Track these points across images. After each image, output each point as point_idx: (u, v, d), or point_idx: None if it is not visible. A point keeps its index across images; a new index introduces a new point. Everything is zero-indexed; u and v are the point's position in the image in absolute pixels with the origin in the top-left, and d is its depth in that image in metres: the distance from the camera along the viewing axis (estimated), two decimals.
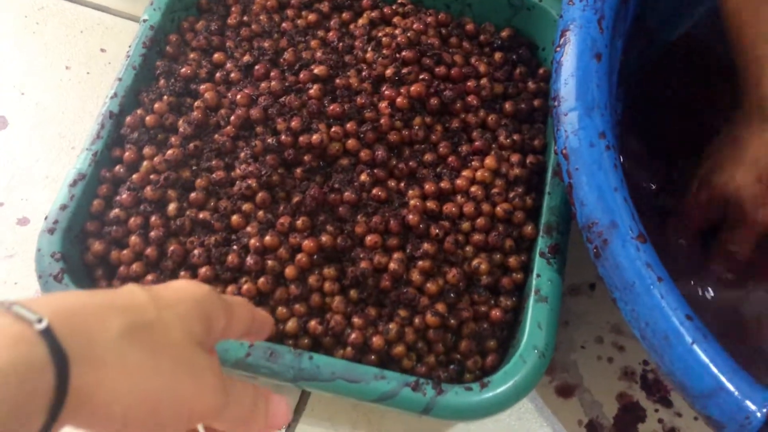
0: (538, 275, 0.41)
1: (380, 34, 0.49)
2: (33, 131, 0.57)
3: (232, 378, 0.29)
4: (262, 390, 0.30)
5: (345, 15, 0.52)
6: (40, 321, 0.23)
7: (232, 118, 0.45)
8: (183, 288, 0.28)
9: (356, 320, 0.41)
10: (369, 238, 0.42)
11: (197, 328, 0.27)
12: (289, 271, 0.41)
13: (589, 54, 0.40)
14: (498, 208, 0.43)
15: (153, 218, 0.43)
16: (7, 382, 0.21)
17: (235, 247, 0.42)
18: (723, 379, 0.33)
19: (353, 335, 0.40)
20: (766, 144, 0.42)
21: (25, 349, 0.22)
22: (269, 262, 0.41)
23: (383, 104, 0.46)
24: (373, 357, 0.40)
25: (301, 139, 0.44)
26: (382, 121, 0.45)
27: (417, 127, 0.46)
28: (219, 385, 0.27)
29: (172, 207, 0.43)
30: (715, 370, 0.33)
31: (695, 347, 0.34)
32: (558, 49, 0.41)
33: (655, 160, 0.52)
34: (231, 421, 0.28)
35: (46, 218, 0.42)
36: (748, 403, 0.33)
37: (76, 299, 0.25)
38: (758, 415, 0.32)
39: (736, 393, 0.33)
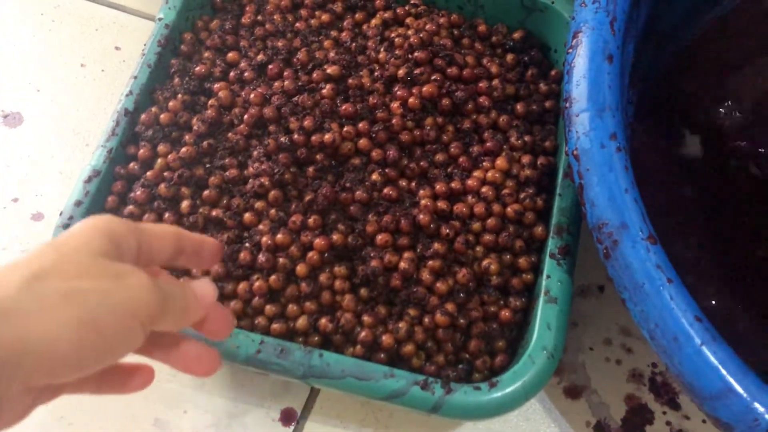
0: (548, 276, 0.41)
1: (393, 35, 0.50)
2: (48, 128, 0.58)
3: (158, 274, 0.29)
4: (183, 280, 0.31)
5: (358, 15, 0.52)
6: None
7: (246, 116, 0.46)
8: (81, 222, 0.28)
9: (366, 318, 0.41)
10: (380, 237, 0.43)
11: (100, 245, 0.27)
12: (301, 268, 0.42)
13: (601, 56, 0.40)
14: (509, 209, 0.44)
15: (166, 215, 0.44)
16: None
17: (247, 244, 0.43)
18: (732, 381, 0.33)
19: (363, 333, 0.40)
20: None
21: None
22: (281, 260, 0.42)
23: (395, 104, 0.46)
24: (382, 355, 0.41)
25: (313, 138, 0.45)
26: (393, 121, 0.46)
27: (428, 128, 0.46)
28: (147, 281, 0.27)
29: (185, 204, 0.44)
30: (724, 372, 0.33)
31: (704, 349, 0.34)
32: (570, 50, 0.41)
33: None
34: (174, 314, 0.28)
35: (60, 214, 0.43)
36: (757, 405, 0.33)
37: None
38: (767, 417, 0.32)
39: (745, 395, 0.33)
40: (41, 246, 0.26)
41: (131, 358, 0.30)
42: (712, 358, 0.34)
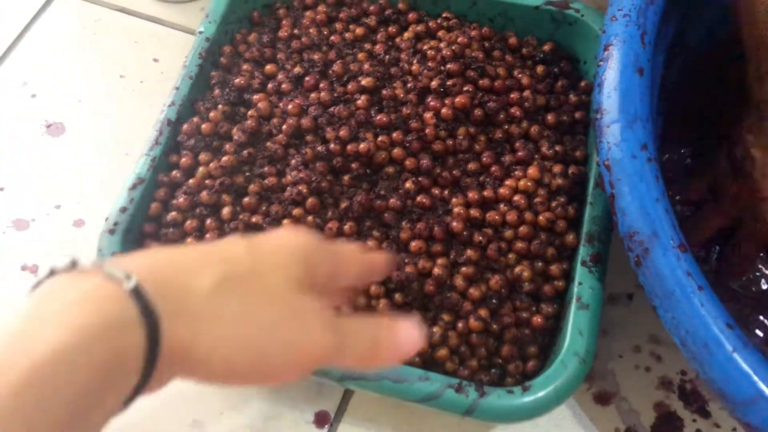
0: (580, 283, 0.42)
1: (425, 47, 0.51)
2: (88, 137, 0.60)
3: (347, 317, 0.27)
4: (386, 322, 0.28)
5: (391, 29, 0.53)
6: (128, 279, 0.23)
7: (284, 126, 0.47)
8: (282, 236, 0.28)
9: None
10: (413, 244, 0.44)
11: (297, 274, 0.26)
12: None
13: (632, 68, 0.41)
14: (540, 217, 0.45)
15: (208, 221, 0.45)
16: (98, 341, 0.21)
17: None
18: (763, 386, 0.34)
19: None
20: None
21: (115, 307, 0.22)
22: None
23: (428, 115, 0.47)
24: (417, 359, 0.42)
25: (349, 147, 0.46)
26: (426, 131, 0.47)
27: (461, 137, 0.47)
28: (326, 325, 0.26)
29: (226, 211, 0.45)
30: (755, 378, 0.34)
31: (735, 355, 0.34)
32: (601, 63, 0.42)
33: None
34: (352, 359, 0.27)
35: (106, 219, 0.45)
36: None
37: (169, 255, 0.25)
38: None
39: None
40: (238, 243, 0.26)
41: None
42: (744, 365, 0.34)
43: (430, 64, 0.49)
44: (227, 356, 0.24)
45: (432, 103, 0.48)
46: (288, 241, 0.27)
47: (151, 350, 0.22)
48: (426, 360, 0.42)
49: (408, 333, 0.28)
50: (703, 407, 0.49)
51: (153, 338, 0.22)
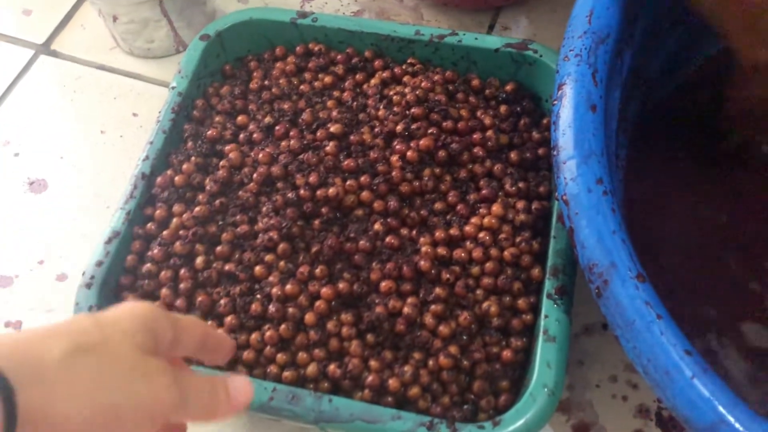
0: (546, 316, 0.43)
1: (391, 93, 0.53)
2: (71, 192, 0.61)
3: (187, 374, 0.31)
4: (220, 378, 0.32)
5: (359, 76, 0.55)
6: None
7: (255, 175, 0.49)
8: (126, 308, 0.30)
9: (373, 363, 0.43)
10: (384, 284, 0.45)
11: (143, 339, 0.29)
12: (309, 317, 0.44)
13: (585, 106, 0.43)
14: (506, 253, 0.46)
15: (182, 271, 0.46)
16: None
17: (258, 296, 0.45)
18: (724, 412, 0.34)
19: (370, 378, 0.42)
20: None
21: None
22: (290, 310, 0.44)
23: (394, 158, 0.49)
24: (390, 398, 0.42)
25: (318, 192, 0.47)
26: (393, 173, 0.48)
27: (427, 178, 0.49)
28: (171, 383, 0.29)
29: (199, 260, 0.47)
30: (716, 403, 0.35)
31: (695, 381, 0.35)
32: (555, 102, 0.44)
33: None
34: (194, 412, 0.31)
35: (83, 274, 0.46)
36: None
37: (21, 333, 0.28)
38: None
39: (737, 425, 0.34)
40: (84, 319, 0.29)
41: None
42: (704, 390, 0.35)
43: (395, 109, 0.51)
44: (83, 420, 0.26)
45: (398, 147, 0.49)
46: (132, 311, 0.30)
47: (9, 420, 0.24)
48: (399, 399, 0.43)
49: (240, 386, 0.33)
50: None
51: (10, 408, 0.24)
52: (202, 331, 0.34)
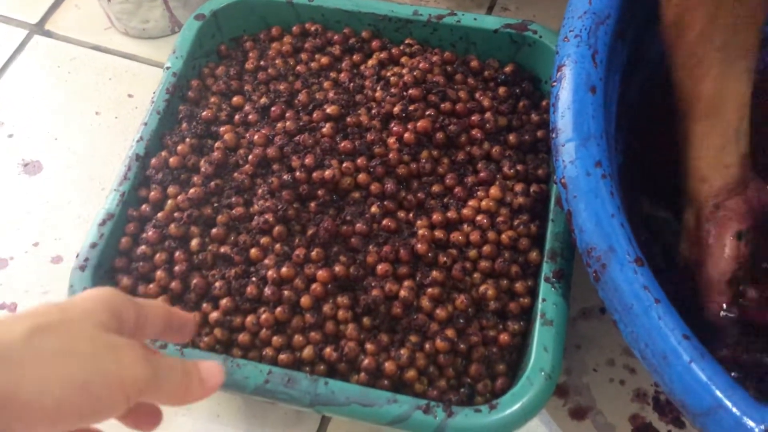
0: (544, 299, 0.42)
1: (389, 74, 0.52)
2: (65, 174, 0.61)
3: (157, 354, 0.31)
4: (190, 361, 0.33)
5: (356, 57, 0.54)
6: None
7: (250, 157, 0.48)
8: (88, 292, 0.31)
9: (369, 346, 0.42)
10: (380, 267, 0.44)
11: (105, 318, 0.29)
12: (305, 300, 0.43)
13: (584, 88, 0.42)
14: (503, 236, 0.45)
15: (177, 254, 0.46)
16: None
17: (253, 278, 0.45)
18: (721, 396, 0.34)
19: (366, 361, 0.42)
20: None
21: None
22: (286, 293, 0.44)
23: (392, 140, 0.48)
24: (386, 382, 0.42)
25: (314, 174, 0.47)
26: (390, 155, 0.48)
27: (424, 161, 0.48)
28: (141, 357, 0.29)
29: (194, 242, 0.46)
30: (713, 387, 0.34)
31: (693, 366, 0.35)
32: (555, 83, 0.43)
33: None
34: (167, 393, 0.30)
35: (77, 256, 0.45)
36: (747, 420, 0.33)
37: None
38: (756, 431, 0.33)
39: (735, 410, 0.34)
40: (47, 304, 0.29)
41: None
42: (701, 375, 0.35)
43: (392, 90, 0.50)
44: (56, 396, 0.26)
45: (395, 129, 0.49)
46: (93, 294, 0.30)
47: None
48: (395, 382, 0.42)
49: (211, 369, 0.33)
50: (678, 417, 0.49)
51: None
52: (166, 312, 0.34)
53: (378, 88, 0.51)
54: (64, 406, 0.26)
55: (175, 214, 0.47)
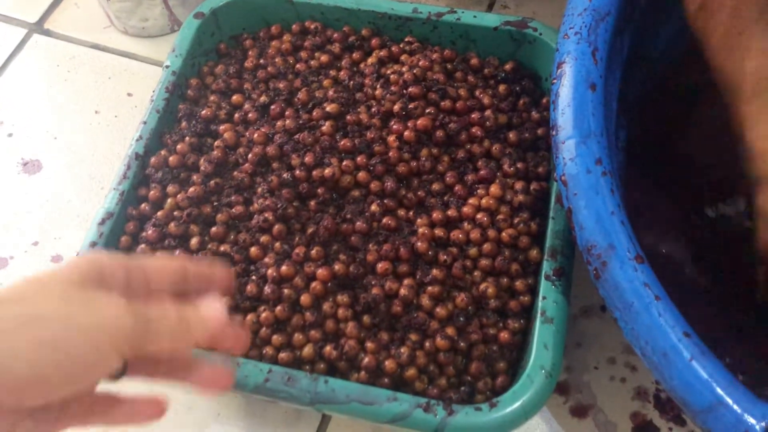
0: (544, 297, 0.42)
1: (388, 72, 0.52)
2: (65, 173, 0.61)
3: (155, 304, 0.29)
4: (190, 305, 0.30)
5: (355, 55, 0.54)
6: None
7: (250, 155, 0.48)
8: (71, 259, 0.29)
9: (369, 345, 0.42)
10: (380, 266, 0.44)
11: (81, 277, 0.28)
12: (305, 299, 0.43)
13: (584, 85, 0.42)
14: (503, 234, 0.45)
15: (177, 252, 0.46)
16: None
17: (253, 277, 0.45)
18: (722, 393, 0.34)
19: (366, 359, 0.42)
20: None
21: None
22: (286, 291, 0.43)
23: (391, 138, 0.48)
24: (386, 380, 0.42)
25: (314, 173, 0.47)
26: (390, 154, 0.48)
27: (424, 159, 0.48)
28: (121, 309, 0.27)
29: (194, 241, 0.46)
30: (714, 385, 0.34)
31: (694, 363, 0.35)
32: (555, 80, 0.43)
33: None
34: (165, 339, 0.29)
35: (77, 255, 0.45)
36: (747, 417, 0.33)
37: None
38: (757, 428, 0.33)
39: (735, 407, 0.34)
40: (19, 279, 0.28)
41: (143, 388, 0.32)
42: (702, 372, 0.35)
43: (392, 88, 0.50)
44: (28, 359, 0.25)
45: (395, 127, 0.49)
46: (74, 258, 0.29)
47: None
48: (395, 380, 0.42)
49: (211, 306, 0.31)
50: (679, 415, 0.49)
51: None
52: (177, 266, 0.32)
53: (378, 86, 0.51)
54: (40, 369, 0.25)
55: (175, 213, 0.47)
